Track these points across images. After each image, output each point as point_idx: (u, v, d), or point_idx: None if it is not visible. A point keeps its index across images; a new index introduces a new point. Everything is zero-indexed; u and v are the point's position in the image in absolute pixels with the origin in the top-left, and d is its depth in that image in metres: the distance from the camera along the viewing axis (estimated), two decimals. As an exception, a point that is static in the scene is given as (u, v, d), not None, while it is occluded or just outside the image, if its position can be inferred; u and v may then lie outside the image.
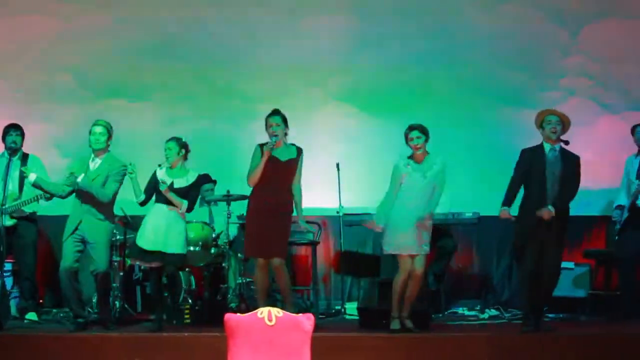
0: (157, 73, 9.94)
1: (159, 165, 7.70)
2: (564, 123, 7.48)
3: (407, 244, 7.36)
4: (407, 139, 7.50)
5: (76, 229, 7.64)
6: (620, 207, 8.50)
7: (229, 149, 9.48)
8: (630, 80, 9.85)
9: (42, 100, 9.90)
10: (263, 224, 7.45)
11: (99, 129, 7.72)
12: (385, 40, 9.95)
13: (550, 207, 7.30)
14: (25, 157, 8.60)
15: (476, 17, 9.96)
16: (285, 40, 9.94)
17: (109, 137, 7.76)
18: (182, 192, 7.66)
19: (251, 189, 7.63)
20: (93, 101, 9.84)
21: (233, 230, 8.90)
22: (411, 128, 7.48)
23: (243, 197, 8.19)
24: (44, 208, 8.55)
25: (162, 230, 7.58)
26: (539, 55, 9.95)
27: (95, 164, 7.74)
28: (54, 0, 9.99)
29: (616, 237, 8.58)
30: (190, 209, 7.73)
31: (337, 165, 9.09)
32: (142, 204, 7.71)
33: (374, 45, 9.95)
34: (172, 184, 7.64)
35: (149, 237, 7.58)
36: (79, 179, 7.62)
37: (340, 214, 9.10)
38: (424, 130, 7.46)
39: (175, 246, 7.60)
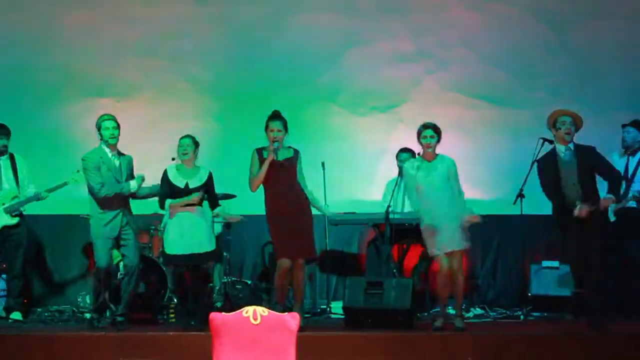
0: (143, 71, 9.91)
1: (172, 159, 7.68)
2: (577, 123, 7.46)
3: (440, 243, 7.41)
4: (419, 136, 7.50)
5: (126, 223, 7.63)
6: None
7: (215, 148, 9.46)
8: (615, 80, 9.89)
9: (27, 99, 9.85)
10: (286, 226, 7.50)
11: (111, 123, 7.64)
12: (372, 39, 9.95)
13: (581, 205, 7.22)
14: (12, 158, 8.59)
15: (462, 16, 9.97)
16: (272, 39, 9.93)
17: (120, 129, 7.71)
18: (198, 192, 7.66)
19: (264, 197, 7.63)
20: (78, 100, 9.79)
21: (217, 230, 8.88)
22: (426, 126, 7.48)
23: (226, 197, 8.19)
24: (32, 207, 8.54)
25: (187, 233, 7.58)
26: (524, 55, 9.97)
27: (117, 161, 7.70)
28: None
29: None
30: (214, 204, 7.74)
31: (323, 164, 9.09)
32: (163, 207, 7.70)
33: (361, 44, 9.96)
34: (186, 185, 7.64)
35: (175, 242, 7.60)
36: (132, 184, 7.63)
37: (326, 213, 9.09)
38: (437, 130, 7.48)
39: (203, 244, 7.62)
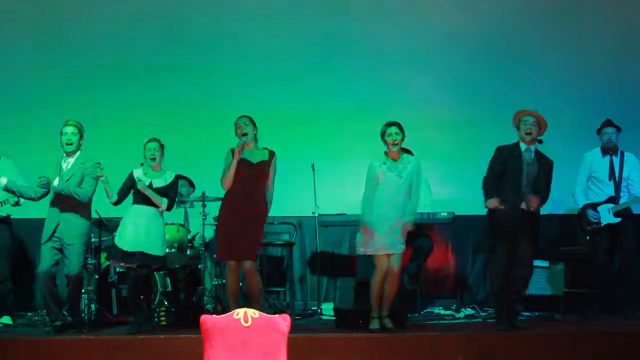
0: (130, 73, 9.89)
1: (141, 164, 7.67)
2: (540, 124, 7.52)
3: (384, 243, 7.37)
4: (383, 135, 7.50)
5: (54, 230, 7.58)
6: (590, 207, 8.51)
7: (203, 150, 9.45)
8: (606, 78, 9.91)
9: (13, 102, 9.82)
10: (234, 227, 7.42)
11: (70, 129, 7.65)
12: (362, 41, 9.96)
13: (529, 195, 7.35)
14: (-5, 159, 8.57)
15: (453, 17, 9.99)
16: (260, 42, 9.92)
17: (81, 136, 7.70)
18: (161, 192, 7.66)
19: (225, 191, 7.61)
20: (64, 102, 9.77)
21: (209, 232, 8.89)
22: (389, 124, 7.48)
23: (219, 199, 8.18)
24: (17, 211, 8.50)
25: (141, 231, 7.56)
26: (515, 55, 9.99)
27: (67, 163, 7.68)
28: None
29: (587, 237, 8.62)
30: (169, 208, 7.72)
31: (312, 166, 9.10)
32: (116, 204, 7.66)
33: (350, 46, 9.97)
34: (150, 184, 7.62)
35: (128, 238, 7.55)
36: (55, 183, 7.55)
37: (316, 215, 9.10)
38: (402, 128, 7.47)
39: (155, 247, 7.59)
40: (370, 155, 8.96)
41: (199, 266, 8.63)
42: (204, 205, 8.60)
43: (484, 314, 8.87)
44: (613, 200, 8.38)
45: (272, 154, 7.63)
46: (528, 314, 8.65)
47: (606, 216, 8.37)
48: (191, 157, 9.33)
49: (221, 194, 7.97)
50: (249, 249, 7.47)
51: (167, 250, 8.12)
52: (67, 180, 7.60)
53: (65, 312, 7.72)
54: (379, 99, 9.87)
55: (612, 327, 7.86)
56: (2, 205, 8.23)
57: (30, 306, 9.27)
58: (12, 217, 8.58)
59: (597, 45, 9.93)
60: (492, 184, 7.55)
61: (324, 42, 9.95)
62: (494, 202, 7.46)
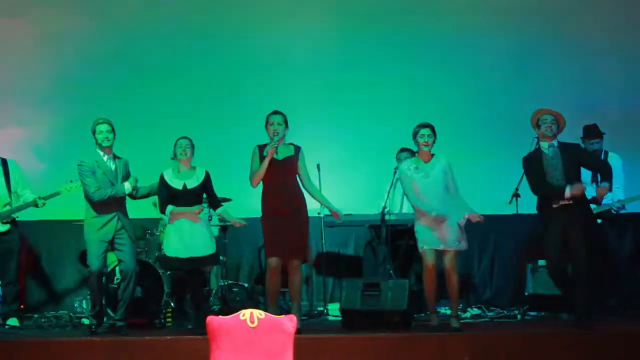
0: (139, 75, 9.91)
1: (172, 158, 7.65)
2: (559, 122, 7.53)
3: (425, 238, 7.39)
4: (415, 136, 7.50)
5: (116, 230, 7.58)
6: None
7: (212, 150, 9.45)
8: (610, 77, 9.91)
9: (19, 105, 9.84)
10: (279, 226, 7.43)
11: (105, 127, 7.61)
12: (369, 39, 9.96)
13: (568, 187, 7.29)
14: (4, 163, 8.58)
15: (462, 17, 9.99)
16: (268, 41, 9.93)
17: (114, 134, 7.68)
18: (196, 193, 7.66)
19: (260, 194, 7.60)
20: (71, 106, 9.79)
21: (214, 232, 8.87)
22: (422, 126, 7.49)
23: (223, 200, 8.19)
24: (23, 213, 8.52)
25: (187, 236, 7.56)
26: (519, 54, 9.99)
27: (113, 165, 7.67)
28: (33, 4, 9.94)
29: None
30: (216, 205, 7.75)
31: (318, 166, 9.09)
32: (164, 212, 7.68)
33: (359, 46, 9.97)
34: (184, 186, 7.61)
35: (175, 246, 7.57)
36: (127, 186, 7.59)
37: (322, 216, 9.09)
38: (434, 130, 7.49)
39: (204, 248, 7.60)
40: (376, 155, 9.02)
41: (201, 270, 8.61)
42: (210, 207, 8.59)
43: (491, 313, 8.86)
44: (594, 201, 8.42)
45: (297, 148, 7.65)
46: (534, 313, 8.65)
47: None
48: (197, 157, 9.32)
49: (225, 193, 8.02)
50: (299, 247, 7.51)
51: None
52: (136, 181, 7.67)
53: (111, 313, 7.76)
54: (385, 99, 9.86)
55: (617, 327, 7.85)
56: (32, 207, 8.27)
57: (37, 308, 9.29)
58: (18, 219, 8.58)
59: (605, 44, 9.92)
60: (543, 186, 7.47)
61: (333, 41, 9.95)
62: (575, 188, 7.31)
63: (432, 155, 7.54)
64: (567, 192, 7.30)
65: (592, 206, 8.38)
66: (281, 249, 7.43)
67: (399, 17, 9.99)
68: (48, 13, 9.92)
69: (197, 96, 9.95)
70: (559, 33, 9.95)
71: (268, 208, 7.52)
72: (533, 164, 7.52)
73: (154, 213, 8.06)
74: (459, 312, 8.93)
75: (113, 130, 7.64)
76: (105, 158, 7.63)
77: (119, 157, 7.74)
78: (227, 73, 9.97)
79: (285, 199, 7.48)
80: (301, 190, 7.60)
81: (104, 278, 8.18)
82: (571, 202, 7.33)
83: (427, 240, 7.40)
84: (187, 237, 7.55)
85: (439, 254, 7.46)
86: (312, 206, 9.07)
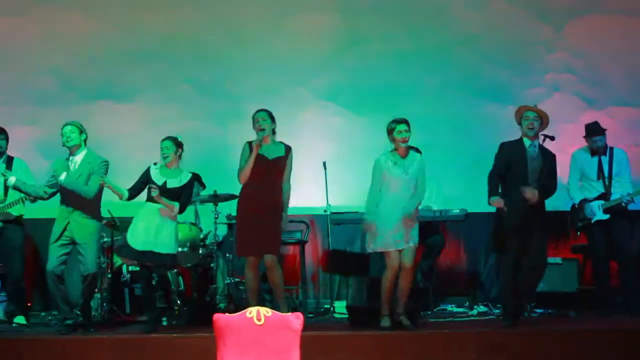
0: (142, 74, 9.91)
1: (155, 164, 7.67)
2: (542, 119, 7.53)
3: (394, 239, 7.36)
4: (392, 132, 7.47)
5: (64, 230, 7.60)
6: (586, 202, 8.53)
7: (215, 149, 9.47)
8: (613, 75, 9.89)
9: (26, 104, 9.85)
10: (253, 222, 7.42)
11: (68, 128, 7.67)
12: (370, 38, 9.96)
13: (534, 190, 7.34)
14: (10, 161, 8.59)
15: (460, 15, 9.98)
16: (269, 39, 9.94)
17: (81, 132, 7.69)
18: (175, 193, 7.63)
19: (240, 188, 7.61)
20: (77, 103, 9.80)
21: (221, 231, 8.89)
22: (398, 122, 7.46)
23: (231, 197, 8.19)
24: (30, 211, 8.53)
25: (153, 230, 7.54)
26: (523, 52, 9.98)
27: (75, 163, 7.69)
28: (37, 3, 9.94)
29: (578, 233, 8.67)
30: (181, 210, 7.69)
31: (324, 164, 9.09)
32: (129, 199, 7.63)
33: (359, 44, 9.97)
34: (165, 183, 7.61)
35: (140, 237, 7.54)
36: (62, 177, 7.57)
37: (328, 213, 9.10)
38: (409, 125, 7.47)
39: (166, 246, 7.58)
40: (382, 152, 8.96)
41: (212, 265, 8.63)
42: (216, 204, 8.61)
43: (497, 311, 8.83)
44: (604, 197, 8.42)
45: (288, 148, 7.64)
46: (541, 310, 8.64)
47: (598, 213, 8.42)
48: (203, 155, 9.33)
49: (232, 191, 8.01)
50: (270, 242, 7.48)
51: (180, 249, 8.13)
52: (77, 178, 7.61)
53: (78, 312, 7.75)
54: (391, 96, 9.86)
55: (624, 324, 7.84)
56: (16, 204, 8.27)
57: (44, 306, 9.30)
58: (24, 217, 8.59)
59: (606, 41, 9.90)
60: (496, 180, 7.54)
61: (336, 38, 9.95)
62: (497, 202, 7.44)
63: (408, 150, 7.52)
64: (528, 192, 7.32)
65: (601, 202, 8.41)
66: (250, 247, 7.45)
67: (401, 15, 9.98)
68: (50, 11, 9.91)
69: (199, 94, 9.95)
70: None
71: (246, 204, 7.51)
72: (515, 155, 7.49)
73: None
74: (465, 309, 9.01)
75: (78, 130, 7.68)
76: (68, 158, 7.70)
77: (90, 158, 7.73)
78: (227, 72, 9.96)
79: (266, 199, 7.47)
80: (282, 191, 7.58)
81: (109, 276, 8.25)
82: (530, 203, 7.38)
83: (387, 240, 7.37)
84: (152, 232, 7.53)
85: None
86: (319, 204, 9.11)
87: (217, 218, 8.62)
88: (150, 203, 7.62)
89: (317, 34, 9.94)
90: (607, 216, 8.40)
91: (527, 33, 9.99)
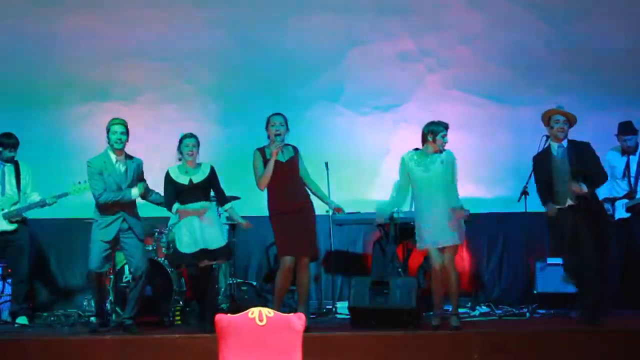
0: (144, 74, 9.91)
1: (179, 159, 7.65)
2: (570, 121, 7.57)
3: (431, 238, 7.36)
4: (437, 135, 7.42)
5: (119, 231, 7.58)
6: (607, 200, 8.54)
7: (218, 150, 9.46)
8: (617, 75, 9.88)
9: (31, 104, 9.85)
10: (290, 225, 7.47)
11: (120, 128, 7.58)
12: (374, 38, 9.96)
13: (581, 184, 7.35)
14: (16, 163, 8.62)
15: (464, 14, 9.97)
16: (273, 40, 9.93)
17: (128, 135, 7.67)
18: (202, 187, 7.65)
19: (266, 196, 7.62)
20: (77, 104, 9.80)
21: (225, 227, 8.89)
22: (446, 127, 7.44)
23: (233, 198, 8.19)
24: (35, 212, 8.54)
25: (198, 231, 7.55)
26: (525, 52, 9.97)
27: (123, 167, 7.64)
28: (37, 3, 9.94)
29: None
30: (222, 199, 7.76)
31: (326, 164, 9.09)
32: (172, 210, 7.68)
33: (363, 43, 9.96)
34: (190, 181, 7.61)
35: (187, 241, 7.57)
36: (134, 191, 7.57)
37: (330, 214, 9.09)
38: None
39: (216, 241, 7.60)
40: (384, 153, 9.01)
41: (214, 266, 8.62)
42: (217, 203, 8.60)
43: (499, 311, 8.84)
44: (629, 195, 8.44)
45: (295, 149, 7.71)
46: (543, 311, 8.63)
47: (619, 211, 8.44)
48: (204, 156, 9.32)
49: (233, 192, 8.02)
50: (312, 243, 7.59)
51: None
52: (142, 183, 7.64)
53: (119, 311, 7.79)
54: (394, 97, 9.86)
55: (626, 323, 7.84)
56: (39, 207, 8.29)
57: (47, 307, 9.31)
58: (28, 218, 8.60)
59: (611, 39, 9.89)
60: (544, 192, 7.61)
61: (338, 38, 9.95)
62: (552, 210, 7.51)
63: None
64: (574, 185, 7.34)
65: (624, 201, 8.42)
66: (294, 247, 7.48)
67: (404, 15, 9.98)
68: (50, 11, 9.92)
69: (199, 94, 9.96)
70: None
71: (276, 209, 7.56)
72: (541, 165, 7.59)
73: (163, 212, 8.05)
74: (467, 310, 9.00)
75: (127, 132, 7.62)
76: (114, 160, 7.61)
77: (131, 158, 7.73)
78: (229, 72, 9.96)
79: (292, 199, 7.54)
80: (305, 189, 7.66)
81: (112, 277, 8.24)
82: (576, 202, 7.35)
83: (426, 238, 7.38)
84: (197, 231, 7.55)
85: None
86: (321, 204, 9.09)
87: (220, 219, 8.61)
88: (183, 206, 7.62)
89: (319, 34, 9.93)
90: (627, 215, 8.41)
91: (529, 33, 9.97)
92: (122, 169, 7.62)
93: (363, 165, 9.71)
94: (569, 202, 7.42)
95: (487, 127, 9.84)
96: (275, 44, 9.94)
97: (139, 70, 9.91)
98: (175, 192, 7.62)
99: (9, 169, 8.56)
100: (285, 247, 7.53)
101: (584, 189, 7.35)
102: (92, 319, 8.11)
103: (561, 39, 9.97)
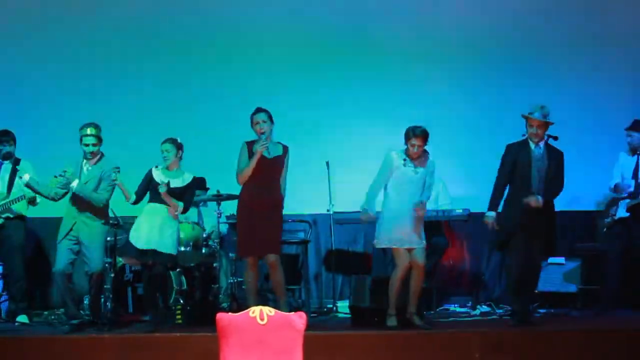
0: (144, 72, 9.91)
1: (156, 166, 7.69)
2: (547, 125, 7.55)
3: (403, 237, 7.36)
4: (405, 140, 7.44)
5: (71, 230, 7.65)
6: (613, 202, 8.55)
7: (217, 148, 9.45)
8: (618, 75, 9.88)
9: (30, 105, 9.85)
10: (255, 222, 7.43)
11: (90, 140, 7.69)
12: (374, 38, 9.95)
13: (538, 196, 7.40)
14: (16, 162, 8.60)
15: (465, 15, 9.97)
16: (274, 39, 9.93)
17: (100, 141, 7.74)
18: (178, 193, 7.65)
19: (240, 188, 7.61)
20: (79, 103, 9.80)
21: (224, 230, 8.89)
22: (416, 135, 7.41)
23: (233, 197, 8.19)
24: (35, 210, 8.53)
25: (156, 230, 7.56)
26: (524, 52, 9.96)
27: (88, 167, 7.73)
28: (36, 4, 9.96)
29: (604, 229, 8.67)
30: (185, 210, 7.72)
31: (327, 163, 9.09)
32: (134, 203, 7.70)
33: (363, 44, 9.96)
34: (168, 183, 7.62)
35: (143, 236, 7.57)
36: (74, 184, 7.60)
37: (331, 212, 9.10)
38: (425, 140, 7.46)
39: (168, 246, 7.59)
40: (385, 151, 8.95)
41: (214, 264, 8.63)
42: (219, 204, 8.61)
43: (500, 311, 8.83)
44: (633, 195, 8.45)
45: (285, 148, 7.63)
46: (544, 310, 8.63)
47: (620, 210, 8.43)
48: (205, 155, 9.33)
49: (235, 191, 8.01)
50: (272, 242, 7.49)
51: (183, 249, 8.14)
52: (86, 183, 7.65)
53: (81, 311, 7.76)
54: (394, 96, 9.86)
55: (627, 323, 7.84)
56: (18, 201, 8.29)
57: (47, 305, 9.30)
58: (27, 215, 8.59)
59: (611, 41, 9.89)
60: (501, 190, 7.64)
61: (339, 38, 9.95)
62: (490, 221, 7.59)
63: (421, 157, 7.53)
64: (532, 200, 7.40)
65: (627, 200, 8.42)
66: (253, 248, 7.47)
67: (405, 15, 9.98)
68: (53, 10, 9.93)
69: (195, 96, 9.96)
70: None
71: (246, 203, 7.52)
72: (521, 156, 7.56)
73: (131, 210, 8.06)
74: (468, 309, 9.01)
75: (97, 137, 7.72)
76: (83, 163, 7.74)
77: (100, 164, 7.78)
78: (227, 73, 9.96)
79: (266, 198, 7.48)
80: (280, 190, 7.60)
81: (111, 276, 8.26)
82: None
83: (395, 238, 7.39)
84: (155, 230, 7.55)
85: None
86: (322, 203, 9.10)
87: (219, 217, 8.62)
88: (154, 203, 7.64)
89: (319, 35, 9.93)
90: (627, 214, 8.42)
91: (532, 33, 9.96)
92: (85, 170, 7.72)
93: (364, 164, 9.68)
94: (537, 197, 7.42)
95: (485, 127, 9.81)
96: (277, 42, 9.93)
97: (139, 69, 9.91)
98: (148, 189, 7.65)
99: (6, 166, 8.53)
100: (242, 247, 7.54)
101: (540, 202, 7.41)
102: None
103: (561, 38, 9.96)
